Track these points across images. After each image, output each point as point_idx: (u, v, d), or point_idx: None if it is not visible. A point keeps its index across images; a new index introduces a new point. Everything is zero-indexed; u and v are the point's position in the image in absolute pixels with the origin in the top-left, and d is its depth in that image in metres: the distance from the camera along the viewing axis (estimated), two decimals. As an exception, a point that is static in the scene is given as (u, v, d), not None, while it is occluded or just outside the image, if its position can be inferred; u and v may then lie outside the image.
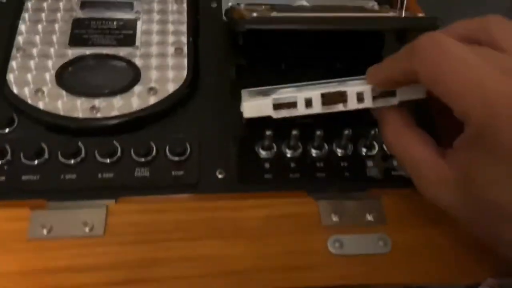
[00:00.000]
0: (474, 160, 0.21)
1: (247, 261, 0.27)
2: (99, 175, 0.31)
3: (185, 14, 0.40)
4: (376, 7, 0.43)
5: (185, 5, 0.41)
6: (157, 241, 0.27)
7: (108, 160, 0.32)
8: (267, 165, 0.33)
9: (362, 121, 0.35)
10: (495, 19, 0.23)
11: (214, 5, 0.43)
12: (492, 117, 0.20)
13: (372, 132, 0.33)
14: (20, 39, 0.37)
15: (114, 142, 0.32)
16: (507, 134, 0.19)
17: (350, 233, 0.28)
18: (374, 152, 0.34)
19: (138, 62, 0.36)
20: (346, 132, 0.33)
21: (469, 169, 0.22)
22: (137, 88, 0.35)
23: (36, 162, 0.31)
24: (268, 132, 0.32)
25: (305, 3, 0.44)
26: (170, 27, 0.39)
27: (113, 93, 0.34)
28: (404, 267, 0.27)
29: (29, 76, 0.35)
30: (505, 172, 0.20)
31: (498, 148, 0.20)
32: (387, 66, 0.25)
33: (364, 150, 0.34)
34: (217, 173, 0.33)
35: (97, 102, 0.34)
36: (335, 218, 0.29)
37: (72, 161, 0.32)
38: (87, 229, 0.27)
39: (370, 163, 0.34)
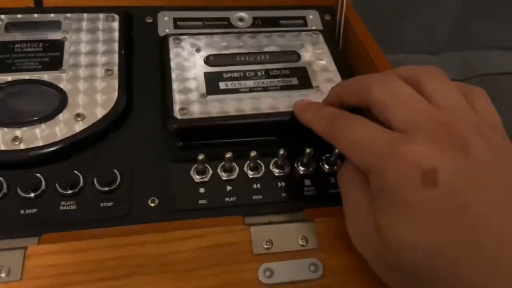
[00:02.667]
0: (377, 207, 0.24)
1: (174, 298, 0.26)
2: (22, 211, 0.30)
3: (117, 32, 0.39)
4: (316, 36, 0.41)
5: (117, 22, 0.39)
6: (79, 283, 0.26)
7: (32, 195, 0.30)
8: (202, 190, 0.32)
9: (299, 141, 0.34)
10: (428, 70, 0.27)
11: (149, 20, 0.42)
12: (381, 165, 0.23)
13: (307, 150, 0.32)
14: None
15: (37, 175, 0.31)
16: (392, 177, 0.23)
17: (281, 260, 0.28)
18: (311, 170, 0.34)
19: (64, 86, 0.35)
20: (281, 152, 0.32)
21: (376, 216, 0.24)
22: (63, 115, 0.33)
23: (-47, 201, 0.29)
24: (200, 156, 0.31)
25: (244, 15, 0.43)
26: (101, 47, 0.37)
27: (37, 121, 0.33)
28: (336, 292, 0.27)
29: None
30: (401, 214, 0.22)
31: (389, 192, 0.23)
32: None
33: (301, 169, 0.34)
34: (149, 202, 0.31)
35: (19, 132, 0.32)
36: (266, 246, 0.28)
37: (-7, 197, 0.30)
38: (3, 274, 0.25)
39: (307, 182, 0.33)
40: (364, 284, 0.27)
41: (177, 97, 0.34)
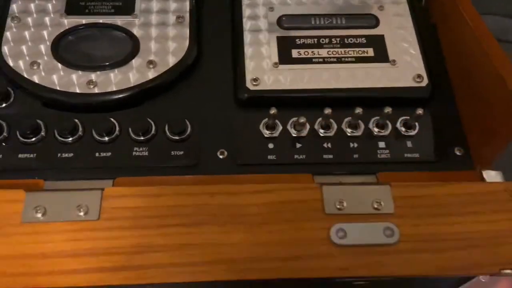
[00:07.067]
0: None
1: (244, 250, 0.26)
2: (96, 154, 0.30)
3: (188, -24, 0.37)
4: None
5: (188, -33, 0.38)
6: (153, 226, 0.26)
7: (106, 139, 0.31)
8: (271, 145, 0.32)
9: (374, 99, 0.33)
10: None
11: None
12: None
13: (386, 110, 0.30)
14: (14, 7, 0.35)
15: (112, 119, 0.31)
16: None
17: (354, 222, 0.27)
18: (387, 132, 0.32)
19: (137, 32, 0.34)
20: (356, 110, 0.30)
21: None
22: (135, 61, 0.33)
23: (33, 139, 0.30)
24: (272, 111, 0.30)
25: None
26: (172, -8, 0.36)
27: (110, 66, 0.33)
28: (410, 259, 0.26)
29: (24, 48, 0.33)
30: None
31: None
32: None
33: (376, 130, 0.32)
34: (218, 154, 0.31)
35: (94, 76, 0.32)
36: (339, 206, 0.27)
37: (70, 139, 0.31)
38: (81, 213, 0.26)
39: (382, 144, 0.32)
40: (438, 253, 0.26)
41: (249, 64, 0.33)
